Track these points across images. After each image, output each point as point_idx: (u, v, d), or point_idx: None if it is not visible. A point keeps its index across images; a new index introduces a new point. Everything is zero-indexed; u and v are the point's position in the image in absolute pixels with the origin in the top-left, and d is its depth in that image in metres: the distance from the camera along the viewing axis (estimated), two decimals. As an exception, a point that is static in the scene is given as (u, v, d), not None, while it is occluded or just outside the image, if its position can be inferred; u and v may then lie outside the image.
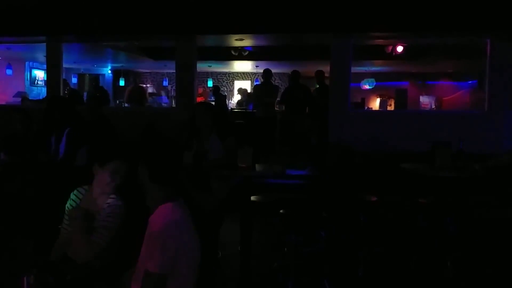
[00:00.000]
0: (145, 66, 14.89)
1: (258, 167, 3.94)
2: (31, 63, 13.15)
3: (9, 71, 12.04)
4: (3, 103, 10.26)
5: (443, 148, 4.12)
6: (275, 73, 10.37)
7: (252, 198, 4.11)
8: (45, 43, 7.80)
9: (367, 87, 13.02)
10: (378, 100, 14.17)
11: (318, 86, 8.79)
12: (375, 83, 13.02)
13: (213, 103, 10.26)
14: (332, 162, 5.19)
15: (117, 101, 12.12)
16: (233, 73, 15.82)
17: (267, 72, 8.42)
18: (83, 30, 7.26)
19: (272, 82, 8.86)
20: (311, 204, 4.12)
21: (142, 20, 6.97)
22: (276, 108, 8.92)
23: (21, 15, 7.17)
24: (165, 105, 12.35)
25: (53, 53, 7.74)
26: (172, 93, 12.83)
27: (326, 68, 7.26)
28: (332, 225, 4.19)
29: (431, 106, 13.57)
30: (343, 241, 4.38)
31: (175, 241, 1.98)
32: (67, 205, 2.73)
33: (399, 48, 9.28)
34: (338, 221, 4.37)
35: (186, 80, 7.38)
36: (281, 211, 3.79)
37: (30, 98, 11.53)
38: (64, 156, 4.50)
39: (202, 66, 12.48)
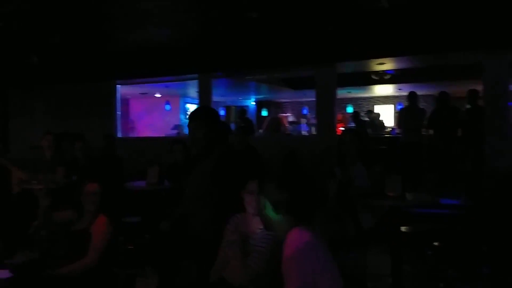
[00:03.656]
0: (286, 96, 15.44)
1: (408, 196, 3.76)
2: (184, 98, 14.56)
3: (168, 107, 13.59)
4: (163, 135, 11.53)
5: None
6: (419, 95, 9.90)
7: (402, 228, 3.94)
8: (197, 80, 8.59)
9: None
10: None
11: (469, 106, 8.14)
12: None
13: (354, 129, 10.14)
14: (490, 190, 4.74)
15: (260, 131, 12.71)
16: (373, 97, 15.49)
17: (412, 95, 8.08)
18: (230, 67, 7.86)
19: (418, 105, 8.46)
20: (468, 236, 3.79)
21: (282, 53, 7.28)
22: (423, 133, 8.46)
23: (176, 57, 8.04)
24: (305, 132, 12.57)
25: (204, 88, 8.48)
26: (312, 121, 13.02)
27: (477, 88, 6.72)
28: (495, 260, 3.77)
29: None
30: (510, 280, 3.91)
31: (311, 262, 2.06)
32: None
33: None
34: (502, 256, 3.92)
35: (326, 107, 7.46)
36: (435, 243, 3.56)
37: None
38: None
39: (341, 93, 12.47)
